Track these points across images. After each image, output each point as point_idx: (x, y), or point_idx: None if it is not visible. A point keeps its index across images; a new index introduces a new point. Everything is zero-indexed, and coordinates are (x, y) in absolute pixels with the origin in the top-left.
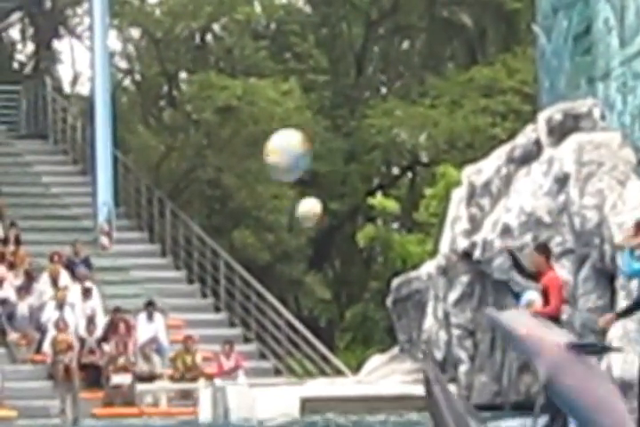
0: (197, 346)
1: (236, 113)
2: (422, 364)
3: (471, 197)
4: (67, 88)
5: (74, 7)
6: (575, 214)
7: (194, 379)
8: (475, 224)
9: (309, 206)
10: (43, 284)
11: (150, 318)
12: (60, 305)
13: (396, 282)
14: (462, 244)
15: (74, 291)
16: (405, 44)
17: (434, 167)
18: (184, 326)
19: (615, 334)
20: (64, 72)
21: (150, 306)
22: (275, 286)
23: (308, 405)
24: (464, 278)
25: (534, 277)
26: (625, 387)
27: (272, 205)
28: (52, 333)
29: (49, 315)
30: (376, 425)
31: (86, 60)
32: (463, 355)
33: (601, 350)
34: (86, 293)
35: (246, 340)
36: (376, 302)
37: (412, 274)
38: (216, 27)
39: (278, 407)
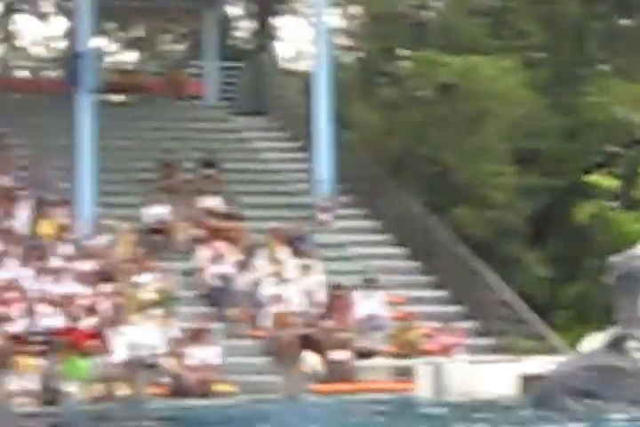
0: (417, 323)
1: (455, 90)
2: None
3: None
4: (286, 65)
5: None
6: None
7: (413, 355)
8: None
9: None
10: (262, 259)
11: (372, 294)
12: (280, 281)
13: (613, 260)
14: None
15: (294, 267)
16: (626, 21)
17: None
18: (404, 303)
19: None
20: (284, 49)
21: (370, 282)
22: (494, 263)
23: (526, 382)
24: None
25: None
26: None
27: (492, 183)
28: (271, 308)
29: (268, 290)
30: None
31: (306, 37)
32: None
33: None
34: (306, 268)
35: (466, 317)
36: (594, 280)
37: (631, 252)
38: (436, 3)
39: (497, 385)
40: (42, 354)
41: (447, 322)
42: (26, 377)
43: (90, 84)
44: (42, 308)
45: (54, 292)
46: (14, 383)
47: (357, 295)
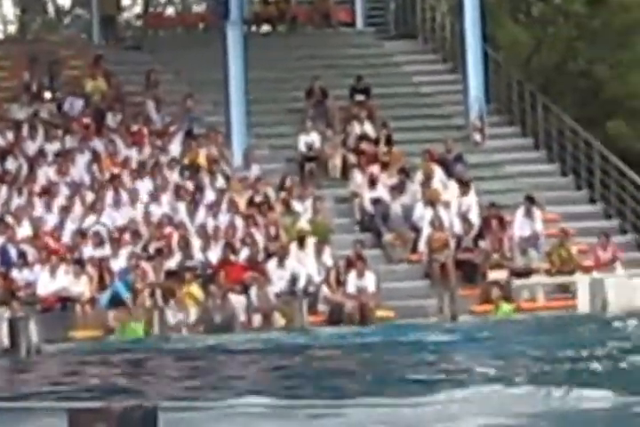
0: (573, 239)
1: (606, 3)
2: None
3: None
4: None
5: None
6: None
7: (570, 272)
8: None
9: None
10: (416, 182)
11: (529, 212)
12: (434, 203)
13: None
14: None
15: (448, 188)
16: None
17: None
18: (559, 220)
19: None
20: None
21: (529, 200)
22: None
23: None
24: None
25: None
26: None
27: None
28: (427, 231)
29: (423, 213)
30: None
31: None
32: None
33: None
34: (461, 190)
35: (623, 231)
36: None
37: None
38: None
39: None
40: (200, 287)
41: (604, 237)
42: (185, 311)
43: (237, 15)
44: (197, 241)
45: (209, 225)
46: (173, 317)
47: (514, 214)
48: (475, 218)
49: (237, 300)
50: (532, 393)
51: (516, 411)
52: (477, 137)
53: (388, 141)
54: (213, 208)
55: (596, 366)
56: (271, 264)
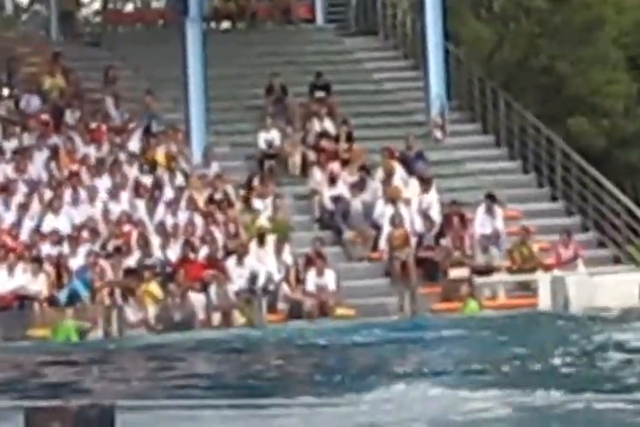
0: (534, 237)
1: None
2: None
3: None
4: None
5: None
6: None
7: (532, 270)
8: None
9: None
10: (377, 180)
11: (490, 210)
12: (395, 201)
13: None
14: None
15: (409, 186)
16: None
17: None
18: (520, 217)
19: None
20: None
21: (490, 198)
22: (612, 172)
23: None
24: None
25: None
26: None
27: (607, 91)
28: (387, 229)
29: (384, 211)
30: None
31: None
32: None
33: None
34: (422, 187)
35: (584, 228)
36: None
37: None
38: None
39: (618, 296)
40: (159, 286)
41: (565, 234)
42: (144, 309)
43: (197, 11)
44: (156, 239)
45: (168, 222)
46: (133, 315)
47: (475, 211)
48: (435, 216)
49: (197, 298)
50: (480, 393)
51: (461, 410)
52: (438, 134)
53: (349, 138)
54: (172, 206)
55: (546, 365)
56: (230, 262)
